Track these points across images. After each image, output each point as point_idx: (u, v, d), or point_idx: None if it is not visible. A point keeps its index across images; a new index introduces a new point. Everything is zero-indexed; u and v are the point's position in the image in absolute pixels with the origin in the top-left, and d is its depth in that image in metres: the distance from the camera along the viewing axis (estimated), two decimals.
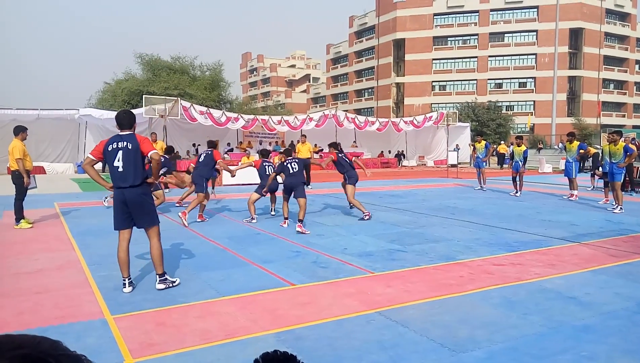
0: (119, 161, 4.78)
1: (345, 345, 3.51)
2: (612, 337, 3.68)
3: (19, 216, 8.41)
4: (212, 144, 9.99)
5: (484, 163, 15.85)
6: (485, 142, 16.20)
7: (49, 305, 4.39)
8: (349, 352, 3.40)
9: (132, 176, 4.78)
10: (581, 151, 12.98)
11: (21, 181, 8.38)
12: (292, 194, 8.51)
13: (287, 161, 8.76)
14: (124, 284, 4.85)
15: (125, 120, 4.92)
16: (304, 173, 8.71)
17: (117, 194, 4.86)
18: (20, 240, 7.34)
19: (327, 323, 3.96)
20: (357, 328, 3.85)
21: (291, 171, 8.56)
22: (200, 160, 9.51)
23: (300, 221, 8.05)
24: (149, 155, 4.86)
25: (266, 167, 9.71)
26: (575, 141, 13.03)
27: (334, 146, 9.87)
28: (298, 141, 15.98)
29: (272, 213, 10.14)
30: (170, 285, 4.95)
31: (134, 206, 4.83)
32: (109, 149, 4.83)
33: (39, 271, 5.55)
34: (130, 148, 4.80)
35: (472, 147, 33.99)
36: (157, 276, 4.96)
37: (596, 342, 3.58)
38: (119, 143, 4.82)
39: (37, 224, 8.61)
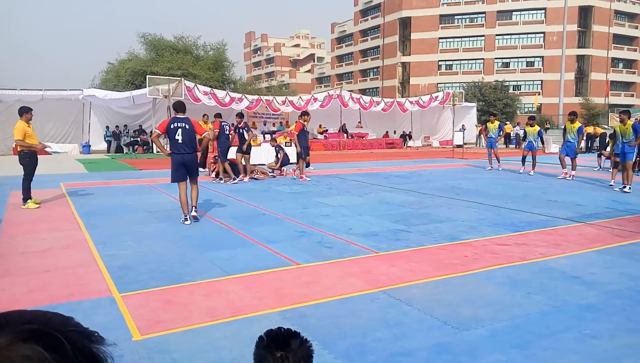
0: (179, 135, 7.02)
1: (349, 323, 3.55)
2: (615, 315, 3.69)
3: (26, 196, 8.47)
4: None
5: (497, 143, 15.78)
6: (498, 122, 16.18)
7: (57, 284, 4.45)
8: (353, 329, 3.44)
9: (188, 146, 7.08)
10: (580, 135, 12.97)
11: (27, 161, 8.41)
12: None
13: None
14: (186, 218, 7.02)
15: (181, 107, 7.27)
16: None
17: (177, 158, 7.07)
18: (27, 220, 7.41)
19: (331, 301, 4.00)
20: (361, 306, 3.89)
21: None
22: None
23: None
24: (202, 135, 7.41)
25: (225, 127, 12.01)
26: (577, 121, 12.99)
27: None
28: (296, 121, 15.93)
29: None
30: (184, 221, 7.06)
31: (189, 165, 7.18)
32: (171, 127, 7.03)
33: (46, 251, 5.61)
34: (187, 128, 7.07)
35: (477, 127, 33.87)
36: (194, 208, 7.25)
37: (599, 320, 3.60)
38: (179, 123, 7.07)
39: (43, 205, 8.67)
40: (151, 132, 12.89)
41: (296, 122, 13.24)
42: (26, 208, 8.34)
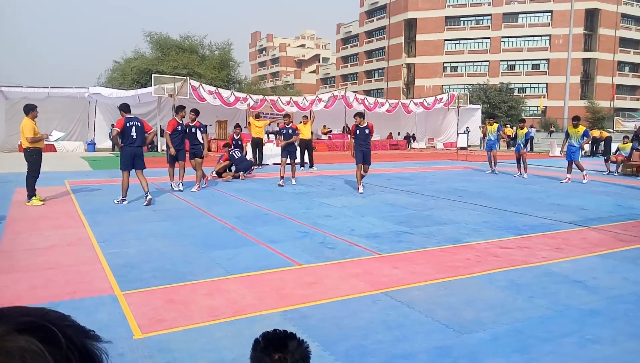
0: (134, 132, 8.39)
1: (350, 324, 3.55)
2: (618, 320, 3.68)
3: (31, 193, 8.50)
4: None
5: (496, 146, 15.77)
6: (497, 125, 16.32)
7: (60, 281, 4.47)
8: (355, 330, 3.44)
9: (139, 141, 8.54)
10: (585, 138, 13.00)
11: (34, 158, 8.45)
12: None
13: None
14: (124, 199, 8.52)
15: (129, 108, 8.68)
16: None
17: (130, 151, 8.42)
18: (31, 217, 7.44)
19: (333, 302, 4.00)
20: (362, 308, 3.89)
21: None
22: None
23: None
24: (149, 131, 8.88)
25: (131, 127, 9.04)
26: (580, 126, 12.92)
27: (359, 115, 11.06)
28: (300, 122, 15.88)
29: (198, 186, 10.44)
30: (121, 202, 8.49)
31: (138, 157, 8.55)
32: (128, 125, 8.38)
33: (50, 248, 5.64)
34: (139, 125, 8.54)
35: (481, 129, 33.77)
36: (148, 193, 8.50)
37: (602, 325, 3.59)
38: (132, 122, 8.46)
39: (48, 202, 8.71)
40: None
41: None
42: (30, 204, 8.38)
